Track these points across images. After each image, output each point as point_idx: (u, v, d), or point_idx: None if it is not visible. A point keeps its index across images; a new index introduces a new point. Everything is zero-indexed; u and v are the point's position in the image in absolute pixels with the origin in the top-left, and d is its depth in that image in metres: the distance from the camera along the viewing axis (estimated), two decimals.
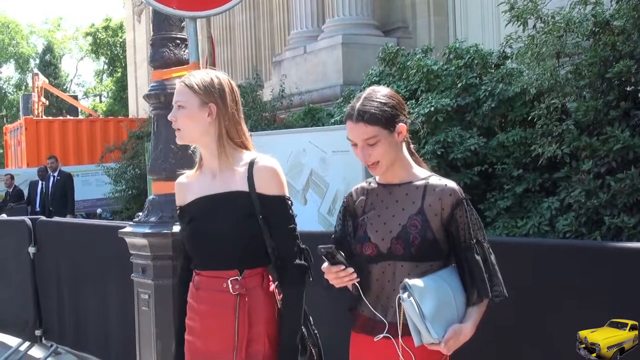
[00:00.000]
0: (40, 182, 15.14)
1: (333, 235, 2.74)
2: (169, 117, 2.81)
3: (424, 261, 2.54)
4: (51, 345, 7.14)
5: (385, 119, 2.55)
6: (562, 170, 6.33)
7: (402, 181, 2.65)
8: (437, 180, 2.63)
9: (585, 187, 5.82)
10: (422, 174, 2.67)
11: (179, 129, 2.79)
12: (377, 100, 2.58)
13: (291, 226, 2.76)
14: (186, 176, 2.94)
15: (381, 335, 2.54)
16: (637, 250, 3.21)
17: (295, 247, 2.75)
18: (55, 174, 15.08)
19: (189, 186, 2.88)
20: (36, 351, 7.47)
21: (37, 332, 7.18)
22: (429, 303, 2.41)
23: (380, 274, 2.60)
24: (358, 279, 2.55)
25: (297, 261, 2.74)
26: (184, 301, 2.86)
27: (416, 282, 2.44)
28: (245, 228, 2.69)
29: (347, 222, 2.76)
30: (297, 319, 2.74)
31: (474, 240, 2.55)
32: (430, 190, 2.59)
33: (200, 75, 2.80)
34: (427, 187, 2.60)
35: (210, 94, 2.75)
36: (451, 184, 2.61)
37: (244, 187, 2.72)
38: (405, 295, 2.42)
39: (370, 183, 2.75)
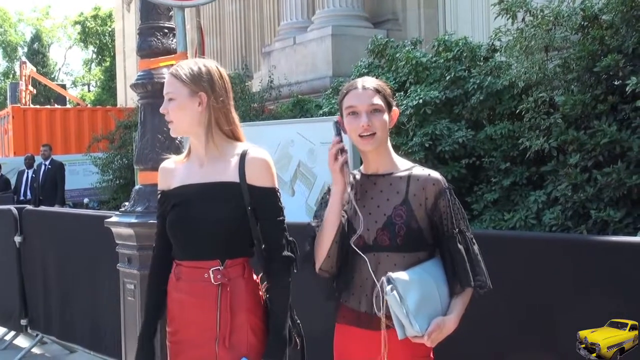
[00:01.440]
0: (26, 171, 15.06)
1: (314, 224, 2.72)
2: (161, 110, 2.78)
3: (410, 252, 2.55)
4: (37, 335, 7.11)
5: (387, 96, 2.63)
6: (549, 164, 6.35)
7: (386, 172, 2.66)
8: (420, 170, 2.64)
9: (572, 180, 5.85)
10: (406, 165, 2.68)
11: (171, 122, 2.76)
12: (378, 80, 2.67)
13: (280, 218, 2.74)
14: (173, 161, 2.90)
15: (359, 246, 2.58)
16: (623, 244, 3.23)
17: (284, 239, 2.74)
18: (47, 163, 15.00)
19: (175, 172, 2.84)
20: (21, 340, 7.45)
21: (23, 322, 7.15)
22: (412, 296, 2.42)
23: (361, 263, 2.59)
24: (346, 155, 2.60)
25: (285, 253, 2.73)
26: (162, 292, 2.82)
27: (400, 275, 2.45)
28: (232, 219, 2.68)
29: None
30: (285, 310, 2.74)
31: (457, 230, 2.56)
32: (413, 180, 2.60)
33: (187, 65, 2.77)
34: (411, 177, 2.62)
35: (199, 82, 2.72)
36: (434, 174, 2.63)
37: (235, 178, 2.70)
38: (388, 288, 2.42)
39: (354, 175, 2.73)
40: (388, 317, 2.49)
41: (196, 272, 2.69)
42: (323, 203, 2.74)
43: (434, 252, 2.62)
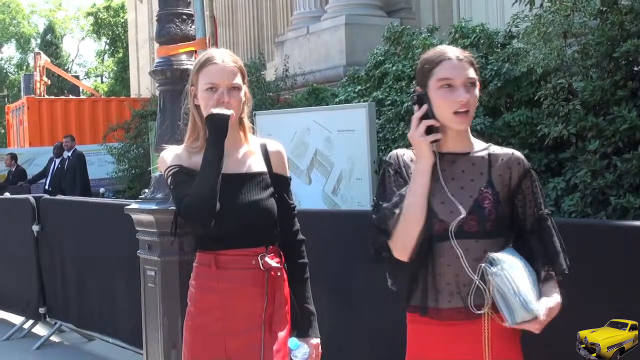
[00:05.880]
0: (55, 160, 15.04)
1: (381, 203, 2.40)
2: (219, 99, 2.65)
3: (497, 237, 2.35)
4: (55, 323, 7.15)
5: (476, 70, 2.40)
6: (568, 151, 6.32)
7: (466, 150, 2.41)
8: (500, 149, 2.43)
9: (591, 167, 5.81)
10: (482, 144, 2.46)
11: (228, 109, 2.64)
12: (464, 51, 2.43)
13: (295, 204, 2.90)
14: (181, 149, 2.82)
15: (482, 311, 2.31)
16: None
17: (298, 223, 2.88)
18: (70, 154, 14.99)
19: (192, 159, 2.74)
20: (40, 329, 7.48)
21: (41, 310, 7.19)
22: (519, 275, 2.24)
23: (445, 253, 2.34)
24: (440, 136, 2.33)
25: (300, 236, 2.88)
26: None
27: (502, 255, 2.27)
28: (270, 206, 2.75)
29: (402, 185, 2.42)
30: (309, 286, 2.86)
31: (546, 211, 2.39)
32: (495, 160, 2.39)
33: (229, 53, 2.79)
34: (492, 156, 2.40)
35: (244, 74, 2.78)
36: (517, 152, 2.43)
37: (263, 168, 2.78)
38: (495, 269, 2.22)
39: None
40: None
41: (243, 260, 2.69)
42: (390, 183, 2.43)
43: (510, 237, 2.41)
